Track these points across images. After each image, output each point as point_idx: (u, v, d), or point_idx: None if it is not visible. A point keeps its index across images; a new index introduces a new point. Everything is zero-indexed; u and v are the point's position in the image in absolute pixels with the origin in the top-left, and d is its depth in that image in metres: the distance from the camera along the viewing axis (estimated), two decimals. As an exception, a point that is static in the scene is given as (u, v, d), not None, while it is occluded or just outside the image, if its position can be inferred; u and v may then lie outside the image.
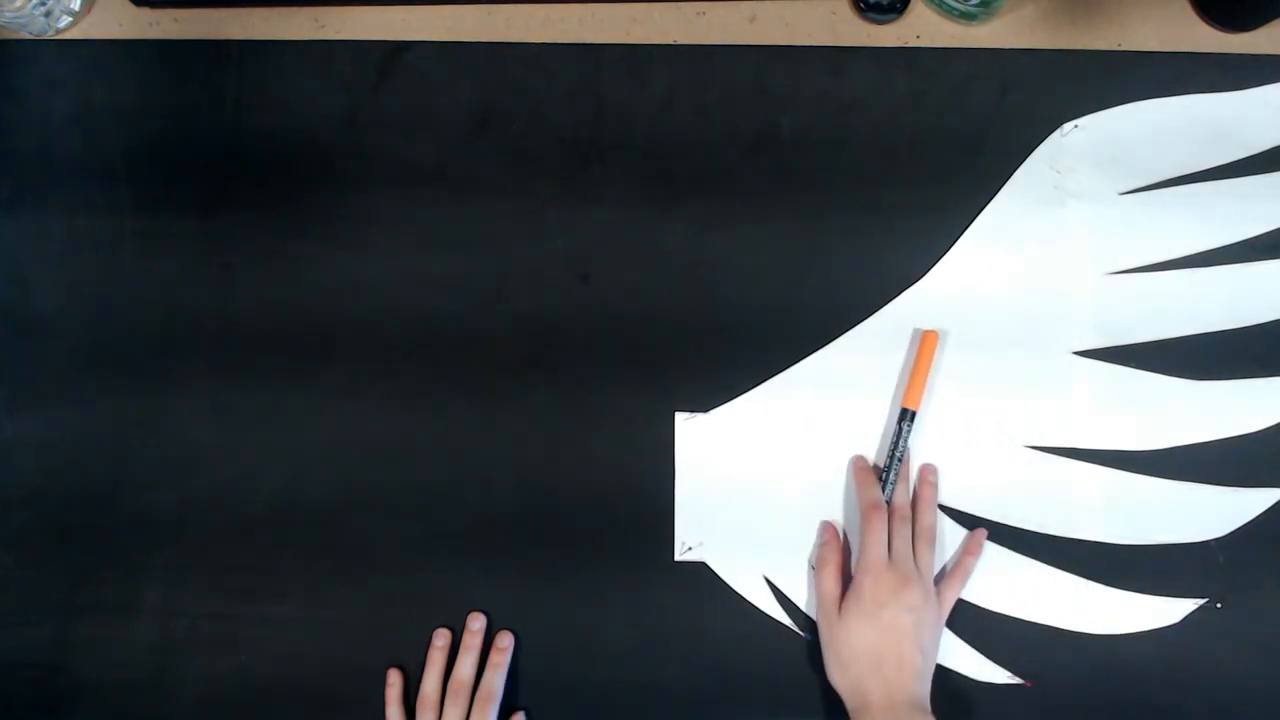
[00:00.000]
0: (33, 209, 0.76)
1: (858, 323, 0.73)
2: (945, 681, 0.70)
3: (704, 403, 0.73)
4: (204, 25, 0.77)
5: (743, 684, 0.71)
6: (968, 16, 0.74)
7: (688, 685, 0.71)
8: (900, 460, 0.70)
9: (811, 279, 0.73)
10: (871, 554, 0.67)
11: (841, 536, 0.71)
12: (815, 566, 0.70)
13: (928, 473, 0.71)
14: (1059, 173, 0.73)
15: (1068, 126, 0.74)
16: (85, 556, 0.74)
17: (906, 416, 0.70)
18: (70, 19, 0.77)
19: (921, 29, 0.75)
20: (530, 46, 0.76)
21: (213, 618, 0.73)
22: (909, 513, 0.70)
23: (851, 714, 0.65)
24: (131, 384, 0.75)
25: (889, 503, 0.70)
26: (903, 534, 0.68)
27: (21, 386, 0.75)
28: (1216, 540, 0.71)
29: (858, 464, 0.72)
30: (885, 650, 0.65)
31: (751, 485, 0.72)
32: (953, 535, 0.72)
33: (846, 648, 0.66)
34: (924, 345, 0.71)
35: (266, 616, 0.73)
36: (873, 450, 0.72)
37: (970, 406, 0.72)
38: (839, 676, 0.67)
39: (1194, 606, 0.70)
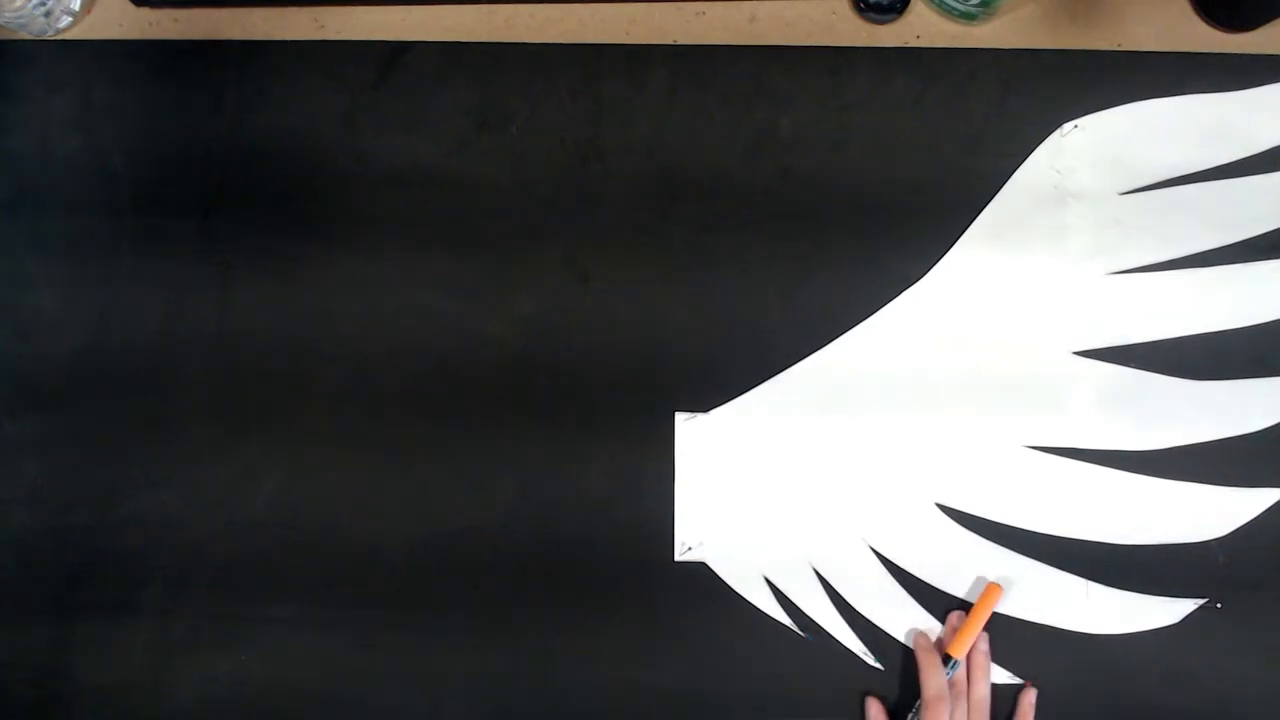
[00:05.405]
0: (33, 209, 0.76)
1: (857, 323, 0.73)
2: (945, 681, 0.70)
3: (704, 403, 0.73)
4: (204, 25, 0.77)
5: (743, 684, 0.71)
6: (968, 16, 0.74)
7: (688, 685, 0.71)
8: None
9: (811, 279, 0.73)
10: None
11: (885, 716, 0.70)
12: None
13: (983, 641, 0.70)
14: (1059, 173, 0.73)
15: (1068, 126, 0.74)
16: (85, 556, 0.74)
17: (949, 662, 0.69)
18: (70, 19, 0.77)
19: (921, 29, 0.75)
20: (530, 46, 0.76)
21: (213, 618, 0.73)
22: (964, 688, 0.69)
23: None
24: (131, 384, 0.75)
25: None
26: (960, 710, 0.68)
27: (21, 386, 0.75)
28: (1216, 540, 0.71)
29: (921, 644, 0.70)
30: None
31: (751, 485, 0.72)
32: (954, 535, 0.72)
33: None
34: (985, 597, 0.69)
35: (266, 616, 0.73)
36: (872, 449, 0.72)
37: (970, 406, 0.72)
38: None
39: (1194, 606, 0.70)
